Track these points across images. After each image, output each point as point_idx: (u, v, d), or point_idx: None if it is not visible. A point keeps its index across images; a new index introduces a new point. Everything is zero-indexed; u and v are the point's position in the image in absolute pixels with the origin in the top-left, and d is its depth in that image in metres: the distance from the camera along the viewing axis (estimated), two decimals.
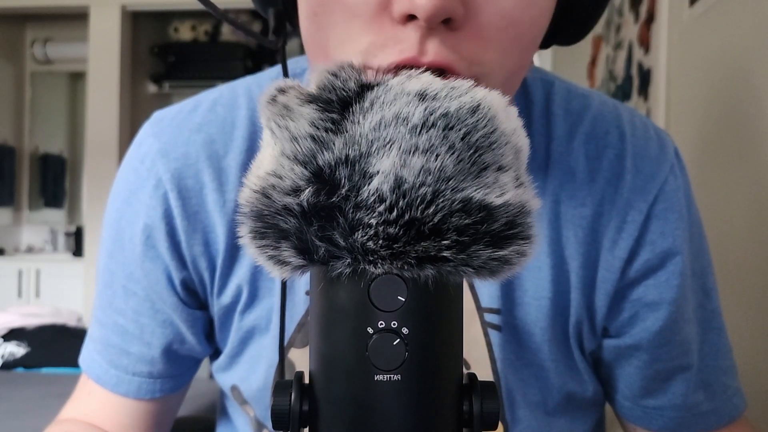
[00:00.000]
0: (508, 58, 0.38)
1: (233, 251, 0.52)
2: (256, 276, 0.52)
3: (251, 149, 0.52)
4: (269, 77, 0.57)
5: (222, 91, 0.56)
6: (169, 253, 0.52)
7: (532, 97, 0.53)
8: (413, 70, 0.31)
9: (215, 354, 0.59)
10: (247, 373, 0.55)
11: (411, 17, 0.34)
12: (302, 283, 0.52)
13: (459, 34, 0.36)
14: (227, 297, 0.53)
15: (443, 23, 0.35)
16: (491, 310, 0.51)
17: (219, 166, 0.52)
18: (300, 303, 0.52)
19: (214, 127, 0.53)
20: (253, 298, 0.53)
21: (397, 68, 0.34)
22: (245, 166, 0.52)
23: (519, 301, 0.51)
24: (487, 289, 0.51)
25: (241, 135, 0.53)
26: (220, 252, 0.52)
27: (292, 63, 0.55)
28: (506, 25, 0.37)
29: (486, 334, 0.51)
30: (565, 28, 0.45)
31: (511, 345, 0.51)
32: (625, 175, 0.51)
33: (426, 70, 0.31)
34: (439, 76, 0.30)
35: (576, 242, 0.50)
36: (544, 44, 0.46)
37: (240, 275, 0.52)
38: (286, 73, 0.49)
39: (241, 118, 0.53)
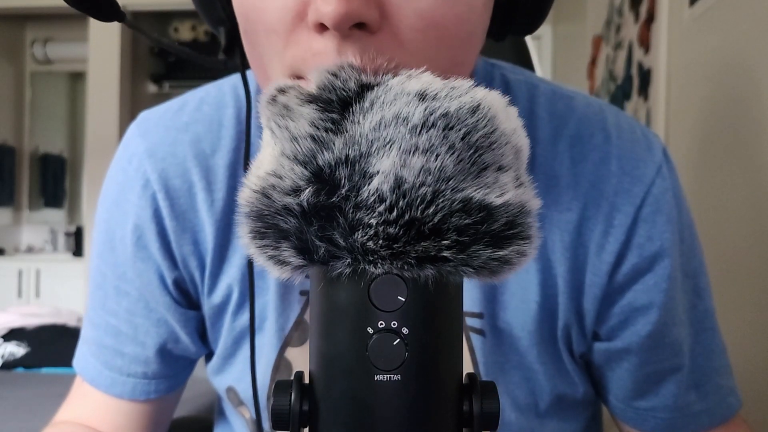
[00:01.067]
0: (434, 59, 0.37)
1: (222, 250, 0.52)
2: (246, 276, 0.52)
3: (238, 148, 0.52)
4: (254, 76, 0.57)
5: (208, 90, 0.56)
6: (161, 254, 0.52)
7: (516, 100, 0.53)
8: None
9: (209, 356, 0.58)
10: (242, 374, 0.55)
11: (324, 26, 0.35)
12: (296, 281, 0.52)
13: (379, 38, 0.36)
14: (218, 297, 0.53)
15: (359, 29, 0.35)
16: (473, 314, 0.51)
17: (206, 165, 0.52)
18: (295, 301, 0.52)
19: (201, 126, 0.53)
20: (244, 297, 0.52)
21: None
22: (233, 165, 0.52)
23: (505, 305, 0.51)
24: (468, 293, 0.51)
25: (228, 134, 0.53)
26: (209, 251, 0.52)
27: None
28: (425, 26, 0.36)
29: (468, 338, 0.51)
30: (515, 18, 0.44)
31: (497, 349, 0.51)
32: (610, 178, 0.50)
33: None
34: None
35: (562, 247, 0.50)
36: (498, 36, 0.46)
37: (230, 275, 0.52)
38: (248, 94, 0.49)
39: (228, 117, 0.53)
